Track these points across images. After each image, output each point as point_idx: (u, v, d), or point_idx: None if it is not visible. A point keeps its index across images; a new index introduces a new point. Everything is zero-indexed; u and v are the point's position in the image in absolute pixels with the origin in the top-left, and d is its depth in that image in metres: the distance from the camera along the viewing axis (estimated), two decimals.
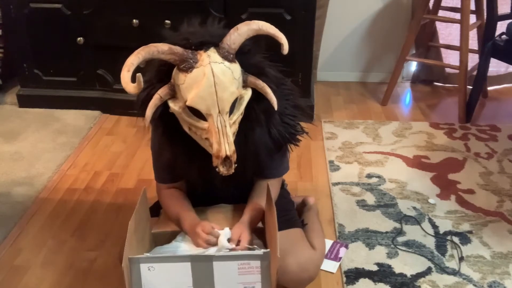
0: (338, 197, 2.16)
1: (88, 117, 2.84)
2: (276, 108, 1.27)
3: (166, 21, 2.58)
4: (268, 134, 1.37)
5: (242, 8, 2.56)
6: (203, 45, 1.20)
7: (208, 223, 1.39)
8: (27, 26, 2.75)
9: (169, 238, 1.47)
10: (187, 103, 1.19)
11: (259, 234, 1.49)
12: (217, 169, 1.23)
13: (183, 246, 1.42)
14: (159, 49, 1.17)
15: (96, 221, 2.03)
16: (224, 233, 1.35)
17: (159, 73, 1.25)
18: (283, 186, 1.79)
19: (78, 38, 2.73)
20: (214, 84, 1.17)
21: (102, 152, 2.54)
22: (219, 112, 1.20)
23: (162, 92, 1.22)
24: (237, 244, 1.35)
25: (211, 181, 1.39)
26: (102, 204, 2.13)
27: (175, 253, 1.39)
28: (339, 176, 2.31)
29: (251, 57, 1.28)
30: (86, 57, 2.80)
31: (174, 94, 1.23)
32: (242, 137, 1.28)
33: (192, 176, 1.40)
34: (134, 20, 2.61)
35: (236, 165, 1.24)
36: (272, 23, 1.23)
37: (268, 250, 1.23)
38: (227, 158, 1.20)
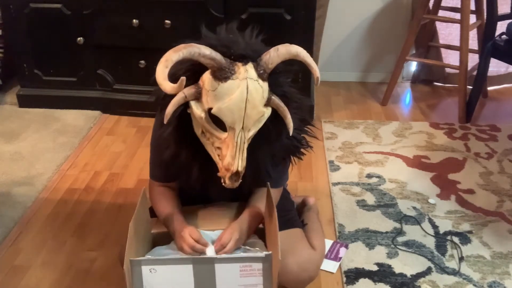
0: (338, 197, 2.16)
1: (88, 117, 2.84)
2: (291, 133, 1.26)
3: (166, 21, 2.58)
4: (275, 149, 1.35)
5: (242, 8, 2.56)
6: (243, 58, 1.17)
7: (196, 230, 1.35)
8: (27, 26, 2.75)
9: (169, 238, 1.47)
10: (214, 111, 1.16)
11: (259, 234, 1.49)
12: (222, 181, 1.21)
13: None
14: (201, 52, 1.12)
15: (96, 221, 2.03)
16: (211, 249, 1.32)
17: (189, 72, 1.21)
18: (280, 194, 1.77)
19: (78, 38, 2.73)
20: (246, 100, 1.16)
21: (102, 152, 2.54)
22: (243, 128, 1.18)
23: (188, 92, 1.18)
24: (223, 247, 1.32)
25: (208, 185, 1.36)
26: (102, 204, 2.13)
27: (176, 252, 1.38)
28: (339, 176, 2.31)
29: (280, 79, 1.27)
30: (86, 57, 2.80)
31: (199, 96, 1.19)
32: (249, 153, 1.24)
33: (191, 177, 1.37)
34: (134, 20, 2.61)
35: (240, 181, 1.22)
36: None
37: (270, 252, 1.23)
38: (236, 173, 1.19)
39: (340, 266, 1.78)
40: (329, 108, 2.99)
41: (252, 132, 1.22)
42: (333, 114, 2.93)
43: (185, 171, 1.36)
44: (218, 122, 1.20)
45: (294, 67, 1.27)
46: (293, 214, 1.72)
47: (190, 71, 1.20)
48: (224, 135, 1.19)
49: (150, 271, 1.23)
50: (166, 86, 1.11)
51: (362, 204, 2.11)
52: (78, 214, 2.07)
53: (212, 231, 1.41)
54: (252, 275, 1.24)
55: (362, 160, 2.44)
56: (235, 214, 1.50)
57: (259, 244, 1.45)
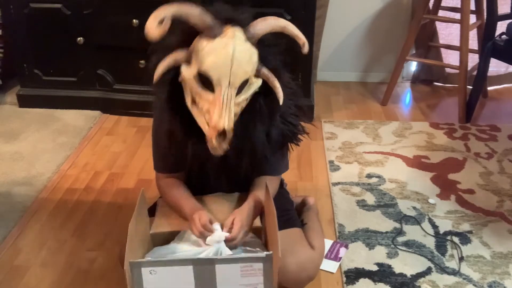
0: (338, 197, 2.16)
1: (88, 117, 2.84)
2: (281, 102, 1.30)
3: None
4: (271, 132, 1.38)
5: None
6: (231, 21, 1.24)
7: (207, 214, 1.40)
8: (27, 26, 2.76)
9: (168, 238, 1.47)
10: (202, 68, 1.21)
11: (258, 233, 1.49)
12: (208, 144, 1.24)
13: (183, 247, 1.42)
14: (191, 10, 1.19)
15: (96, 221, 2.03)
16: (219, 233, 1.36)
17: (182, 37, 1.27)
18: (282, 185, 1.79)
19: (78, 38, 2.73)
20: (232, 58, 1.20)
21: (102, 152, 2.54)
22: (229, 84, 1.22)
23: (178, 55, 1.24)
24: (229, 230, 1.37)
25: (205, 166, 1.39)
26: (102, 204, 2.13)
27: (175, 253, 1.39)
28: (339, 176, 2.31)
29: (270, 53, 1.31)
30: (86, 57, 2.80)
31: (189, 60, 1.24)
32: (242, 129, 1.29)
33: (187, 159, 1.39)
34: (134, 20, 2.62)
35: (229, 147, 1.25)
36: None
37: (271, 252, 1.24)
38: (223, 132, 1.21)
39: (340, 266, 1.78)
40: (329, 108, 2.99)
41: (241, 98, 1.26)
42: (333, 114, 2.93)
43: (181, 151, 1.39)
44: (207, 86, 1.23)
45: (283, 40, 1.32)
46: (293, 214, 1.72)
47: (183, 41, 1.26)
48: (211, 96, 1.23)
49: (150, 273, 1.23)
50: (153, 31, 1.18)
51: (362, 204, 2.11)
52: (78, 214, 2.07)
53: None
54: (252, 275, 1.24)
55: (362, 160, 2.44)
56: (238, 204, 1.53)
57: (258, 243, 1.45)
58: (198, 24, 1.20)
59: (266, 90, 1.30)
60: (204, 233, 1.36)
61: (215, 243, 1.34)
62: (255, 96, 1.30)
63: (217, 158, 1.31)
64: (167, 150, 1.45)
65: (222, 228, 1.38)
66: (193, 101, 1.27)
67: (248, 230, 1.43)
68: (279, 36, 1.29)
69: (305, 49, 1.28)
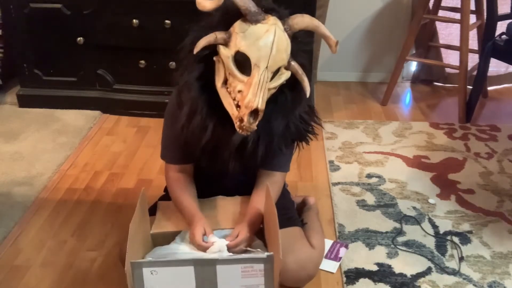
0: (338, 197, 2.15)
1: (88, 117, 2.84)
2: (308, 95, 1.34)
3: (166, 21, 2.58)
4: (289, 127, 1.42)
5: None
6: (272, 11, 1.30)
7: (201, 227, 1.41)
8: (27, 26, 2.75)
9: (168, 238, 1.48)
10: (242, 49, 1.25)
11: (258, 234, 1.49)
12: (238, 123, 1.25)
13: (183, 247, 1.42)
14: None
15: (96, 221, 2.03)
16: (219, 243, 1.37)
17: (222, 21, 1.30)
18: (283, 185, 1.79)
19: (78, 38, 2.73)
20: (273, 42, 1.25)
21: (102, 152, 2.54)
22: (267, 67, 1.25)
23: (219, 35, 1.27)
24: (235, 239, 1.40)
25: (220, 150, 1.40)
26: (102, 204, 2.13)
27: (175, 253, 1.39)
28: (339, 176, 2.31)
29: (301, 49, 1.36)
30: (86, 57, 2.80)
31: (228, 42, 1.28)
32: (265, 118, 1.30)
33: (201, 140, 1.39)
34: (134, 20, 2.61)
35: (256, 126, 1.27)
36: None
37: (272, 253, 1.24)
38: (256, 111, 1.23)
39: (340, 266, 1.78)
40: (329, 108, 2.99)
41: (272, 85, 1.29)
42: (333, 114, 2.93)
43: (196, 136, 1.39)
44: (243, 69, 1.27)
45: (312, 39, 1.39)
46: (293, 213, 1.72)
47: (225, 20, 1.30)
48: (245, 78, 1.26)
49: (151, 273, 1.23)
50: (204, 1, 1.24)
51: (362, 204, 2.11)
52: (78, 214, 2.07)
53: (221, 230, 1.46)
54: (253, 276, 1.24)
55: (362, 160, 2.44)
56: (237, 212, 1.55)
57: (259, 244, 1.45)
58: (243, 7, 1.24)
59: (292, 84, 1.34)
60: (201, 246, 1.38)
61: (218, 253, 1.35)
62: (282, 88, 1.34)
63: (235, 143, 1.35)
64: (181, 136, 1.43)
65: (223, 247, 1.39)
66: (224, 83, 1.30)
67: (249, 243, 1.45)
68: (310, 35, 1.36)
69: (335, 49, 1.32)
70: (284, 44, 1.28)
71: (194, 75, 1.34)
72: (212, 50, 1.30)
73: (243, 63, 1.27)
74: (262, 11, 1.27)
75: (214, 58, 1.31)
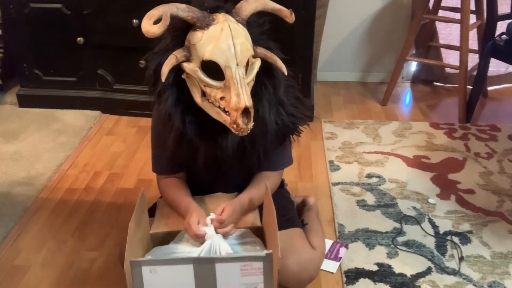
0: (338, 197, 2.16)
1: (88, 117, 2.84)
2: (286, 72, 1.33)
3: None
4: (278, 122, 1.40)
5: None
6: (218, 9, 1.28)
7: (196, 216, 1.40)
8: (27, 26, 2.75)
9: (168, 238, 1.47)
10: (206, 57, 1.23)
11: (258, 233, 1.49)
12: (233, 127, 1.24)
13: (182, 247, 1.42)
14: (178, 6, 1.22)
15: (96, 221, 2.03)
16: (211, 229, 1.38)
17: (175, 39, 1.29)
18: (283, 186, 1.79)
19: (78, 38, 2.73)
20: (232, 37, 1.23)
21: (102, 152, 2.54)
22: (237, 64, 1.24)
23: (177, 53, 1.26)
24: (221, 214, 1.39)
25: (219, 159, 1.39)
26: (102, 204, 2.13)
27: (175, 253, 1.39)
28: (339, 176, 2.31)
29: (261, 32, 1.35)
30: (86, 57, 2.80)
31: (188, 57, 1.26)
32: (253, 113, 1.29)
33: (196, 154, 1.39)
34: (134, 20, 2.61)
35: (253, 123, 1.25)
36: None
37: (271, 251, 1.24)
38: (246, 110, 1.22)
39: (340, 266, 1.78)
40: (329, 108, 2.99)
41: (249, 78, 1.27)
42: (333, 114, 2.93)
43: (191, 152, 1.39)
44: (212, 75, 1.25)
45: (267, 18, 1.37)
46: (293, 214, 1.72)
47: (177, 38, 1.29)
48: (221, 83, 1.25)
49: (151, 272, 1.23)
50: (153, 29, 1.21)
51: (362, 204, 2.11)
52: (78, 214, 2.07)
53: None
54: (253, 274, 1.24)
55: (362, 160, 2.44)
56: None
57: (258, 243, 1.45)
58: (189, 17, 1.23)
59: (265, 69, 1.33)
60: (198, 235, 1.37)
61: (209, 238, 1.35)
62: (258, 78, 1.32)
63: (233, 148, 1.34)
64: (173, 155, 1.43)
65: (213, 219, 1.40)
66: (203, 95, 1.29)
67: (237, 220, 1.44)
68: (263, 15, 1.34)
69: (292, 18, 1.32)
70: (243, 34, 1.26)
71: (170, 102, 1.31)
72: (177, 70, 1.28)
73: (212, 70, 1.24)
74: (208, 13, 1.26)
75: (183, 76, 1.29)
